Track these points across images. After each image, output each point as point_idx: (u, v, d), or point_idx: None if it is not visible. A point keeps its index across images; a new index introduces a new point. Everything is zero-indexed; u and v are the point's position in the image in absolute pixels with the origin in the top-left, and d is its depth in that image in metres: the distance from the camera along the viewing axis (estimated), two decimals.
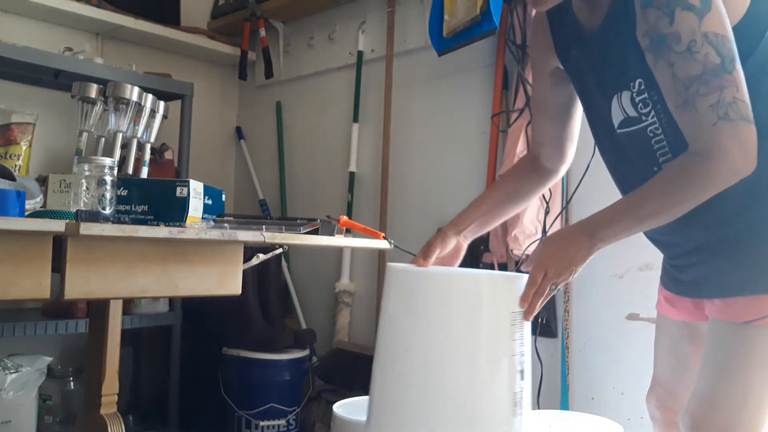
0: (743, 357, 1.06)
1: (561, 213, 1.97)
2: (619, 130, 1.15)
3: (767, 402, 1.06)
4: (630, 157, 1.18)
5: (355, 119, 2.69)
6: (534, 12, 1.31)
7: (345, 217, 1.54)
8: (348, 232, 1.64)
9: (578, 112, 1.35)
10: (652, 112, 1.09)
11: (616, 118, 1.14)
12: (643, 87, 1.08)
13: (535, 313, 1.11)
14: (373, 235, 1.57)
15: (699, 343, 1.22)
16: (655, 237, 1.26)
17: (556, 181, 1.44)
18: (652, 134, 1.11)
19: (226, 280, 1.24)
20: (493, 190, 1.44)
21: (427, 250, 1.31)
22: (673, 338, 1.30)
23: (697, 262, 1.16)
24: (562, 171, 1.41)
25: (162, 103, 1.93)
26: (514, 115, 2.06)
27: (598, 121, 1.22)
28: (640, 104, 1.10)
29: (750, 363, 1.05)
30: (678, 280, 1.23)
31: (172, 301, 2.54)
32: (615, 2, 1.07)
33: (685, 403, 1.23)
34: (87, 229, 0.97)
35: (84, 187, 1.18)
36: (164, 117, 1.97)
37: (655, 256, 1.35)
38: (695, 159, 0.99)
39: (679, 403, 1.28)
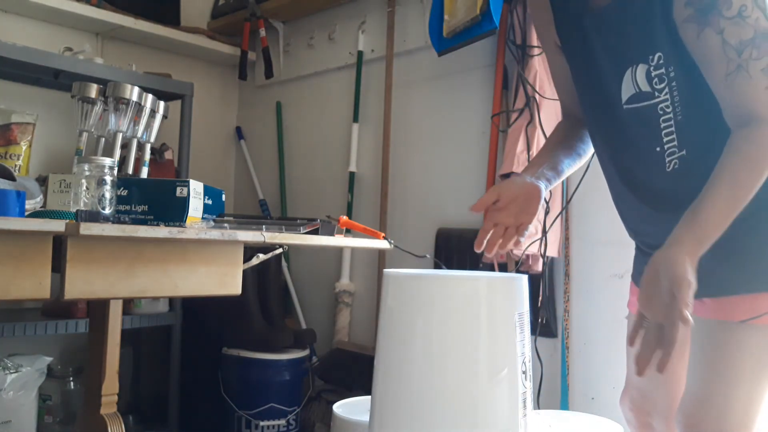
0: (735, 355, 1.06)
1: (561, 213, 1.97)
2: (626, 106, 1.14)
3: (758, 399, 1.06)
4: (630, 136, 1.16)
5: (355, 119, 2.69)
6: None
7: (345, 217, 1.54)
8: (348, 232, 1.64)
9: None
10: (666, 89, 1.08)
11: (626, 92, 1.12)
12: (662, 61, 1.06)
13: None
14: (373, 235, 1.57)
15: None
16: (638, 228, 1.24)
17: None
18: (662, 112, 1.09)
19: (226, 280, 1.24)
20: (557, 146, 1.35)
21: (509, 207, 1.21)
22: None
23: None
24: None
25: (162, 103, 1.93)
26: (514, 115, 2.06)
27: (600, 97, 1.19)
28: (656, 79, 1.08)
29: (741, 361, 1.05)
30: None
31: (172, 301, 2.54)
32: None
33: (658, 403, 1.24)
34: (87, 229, 0.97)
35: (84, 187, 1.18)
36: (164, 117, 1.96)
37: None
38: (762, 129, 0.95)
39: (652, 404, 1.28)
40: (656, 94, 1.09)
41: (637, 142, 1.15)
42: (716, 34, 0.96)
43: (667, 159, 1.11)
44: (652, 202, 1.17)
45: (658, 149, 1.11)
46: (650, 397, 1.28)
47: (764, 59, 0.95)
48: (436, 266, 2.22)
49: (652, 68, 1.08)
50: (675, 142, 1.10)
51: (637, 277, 1.31)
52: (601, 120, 1.23)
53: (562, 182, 1.95)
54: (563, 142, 1.35)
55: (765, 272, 1.06)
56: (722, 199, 0.97)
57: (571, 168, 1.35)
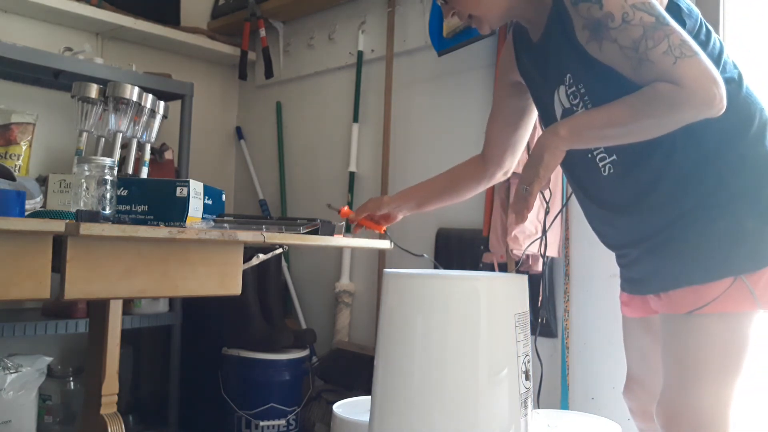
0: (693, 345, 1.15)
1: (561, 213, 1.97)
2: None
3: (725, 382, 1.14)
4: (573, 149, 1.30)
5: (355, 119, 2.69)
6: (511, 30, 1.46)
7: (346, 207, 1.57)
8: (348, 231, 1.64)
9: (524, 128, 1.49)
10: (580, 103, 1.22)
11: (558, 110, 1.28)
12: (572, 81, 1.22)
13: (524, 220, 1.20)
14: (374, 228, 1.58)
15: (653, 332, 1.31)
16: (599, 229, 1.36)
17: (490, 185, 1.58)
18: None
19: (226, 280, 1.24)
20: (440, 177, 1.60)
21: (361, 208, 1.54)
22: (634, 334, 1.39)
23: (638, 258, 1.25)
24: (498, 177, 1.55)
25: (162, 103, 1.94)
26: None
27: (548, 119, 1.34)
28: (571, 95, 1.24)
29: (700, 350, 1.14)
30: (628, 278, 1.33)
31: (172, 301, 2.54)
32: (551, 13, 1.22)
33: (652, 391, 1.31)
34: (87, 229, 0.97)
35: (84, 187, 1.18)
36: (164, 117, 1.97)
37: None
38: (668, 86, 1.05)
39: (647, 393, 1.36)
40: (574, 108, 1.24)
41: (577, 154, 1.27)
42: (612, 43, 1.10)
43: (600, 164, 1.24)
44: (602, 205, 1.30)
45: (589, 156, 1.26)
46: (645, 386, 1.37)
47: (662, 44, 1.05)
48: (434, 267, 2.22)
49: (567, 87, 1.24)
50: (602, 148, 1.23)
51: (621, 281, 1.39)
52: None
53: (562, 181, 1.95)
54: (449, 185, 1.58)
55: (702, 265, 1.14)
56: (604, 112, 1.13)
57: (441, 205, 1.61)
